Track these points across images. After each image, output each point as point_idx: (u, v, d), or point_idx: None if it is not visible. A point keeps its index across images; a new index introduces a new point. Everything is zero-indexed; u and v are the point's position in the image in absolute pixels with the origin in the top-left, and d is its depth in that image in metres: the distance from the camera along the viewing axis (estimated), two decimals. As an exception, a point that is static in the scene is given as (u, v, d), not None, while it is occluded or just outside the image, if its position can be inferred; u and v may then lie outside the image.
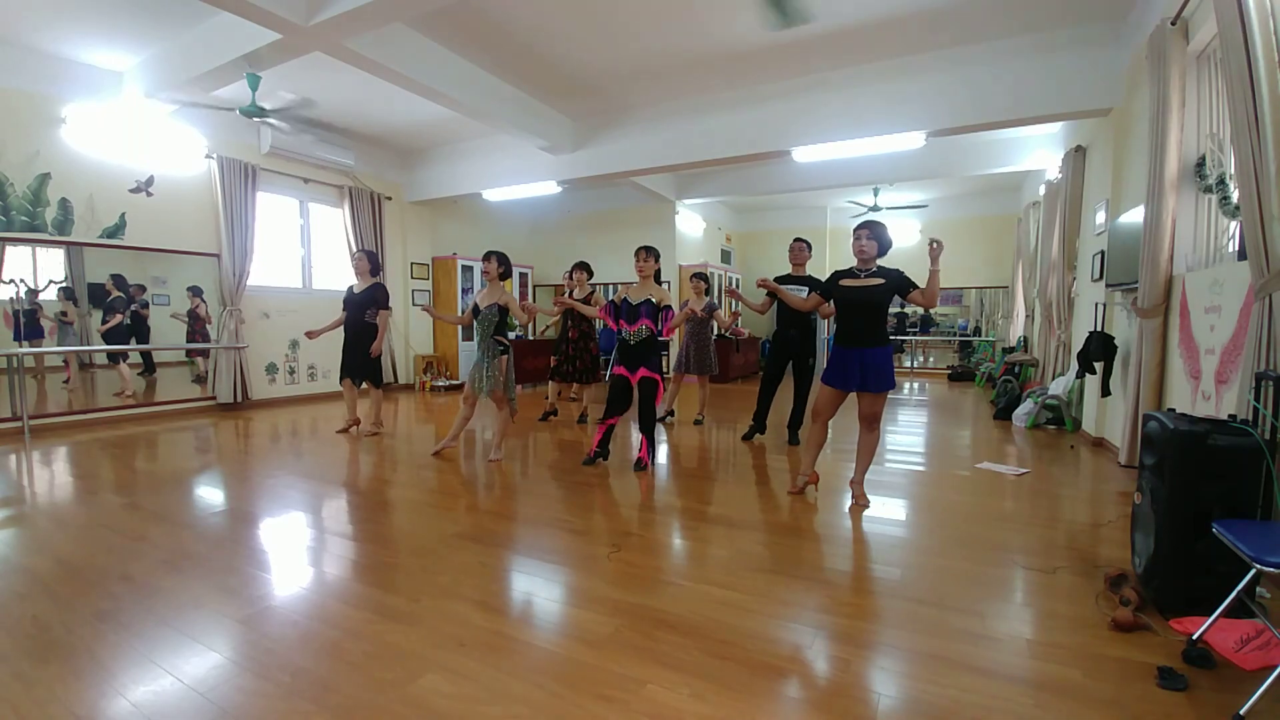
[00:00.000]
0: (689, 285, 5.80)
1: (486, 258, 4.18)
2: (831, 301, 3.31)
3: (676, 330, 5.70)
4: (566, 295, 5.69)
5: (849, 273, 3.19)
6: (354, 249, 7.58)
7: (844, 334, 3.19)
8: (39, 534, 2.85)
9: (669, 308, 3.99)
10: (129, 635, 1.91)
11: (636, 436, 4.17)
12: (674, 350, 8.26)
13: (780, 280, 4.60)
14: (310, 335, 5.17)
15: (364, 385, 5.25)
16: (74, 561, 2.49)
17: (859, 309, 3.13)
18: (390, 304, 5.23)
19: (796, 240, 4.71)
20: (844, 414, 6.48)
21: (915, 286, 3.02)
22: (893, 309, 12.66)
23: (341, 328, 5.13)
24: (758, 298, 4.90)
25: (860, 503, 3.24)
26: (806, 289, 4.45)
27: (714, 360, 5.76)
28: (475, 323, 4.20)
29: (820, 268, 10.17)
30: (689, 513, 3.23)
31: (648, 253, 4.00)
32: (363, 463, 4.31)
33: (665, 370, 5.93)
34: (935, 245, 2.90)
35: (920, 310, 12.32)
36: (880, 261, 3.16)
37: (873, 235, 3.10)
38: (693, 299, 5.66)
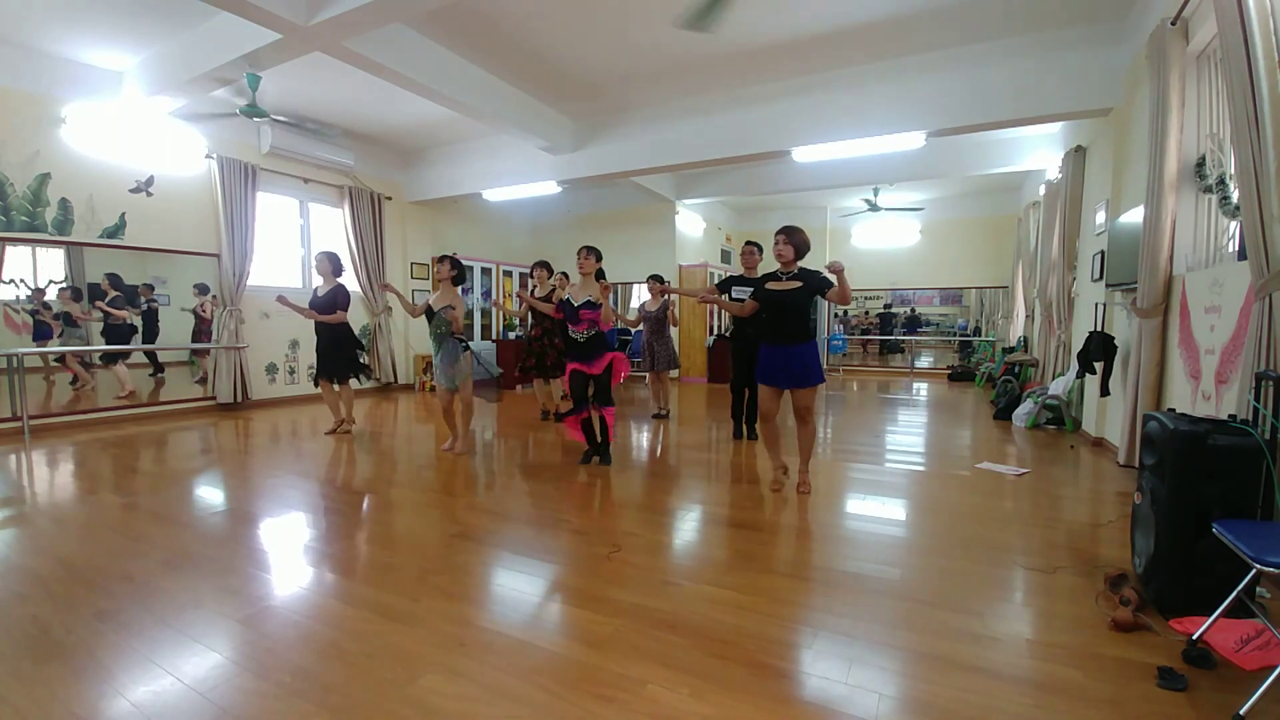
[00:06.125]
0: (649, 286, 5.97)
1: (440, 260, 4.33)
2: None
3: (639, 324, 6.04)
4: (530, 293, 5.79)
5: (773, 276, 3.39)
6: (353, 248, 7.59)
7: (771, 333, 3.38)
8: (39, 534, 2.85)
9: (589, 302, 3.97)
10: (129, 635, 1.91)
11: (599, 422, 4.13)
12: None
13: (734, 281, 4.63)
14: (302, 313, 5.14)
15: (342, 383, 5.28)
16: (74, 561, 2.49)
17: (782, 309, 3.34)
18: (349, 306, 5.21)
19: (747, 244, 4.82)
20: (845, 415, 6.50)
21: (831, 285, 3.23)
22: (881, 310, 12.80)
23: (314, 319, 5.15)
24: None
25: (802, 491, 3.43)
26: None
27: (674, 356, 6.00)
28: (430, 324, 4.31)
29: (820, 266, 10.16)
30: (689, 513, 3.23)
31: (588, 252, 4.08)
32: (363, 463, 4.32)
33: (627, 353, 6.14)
34: (835, 266, 3.09)
35: (905, 310, 12.52)
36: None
37: (789, 241, 3.31)
38: (649, 299, 5.97)
